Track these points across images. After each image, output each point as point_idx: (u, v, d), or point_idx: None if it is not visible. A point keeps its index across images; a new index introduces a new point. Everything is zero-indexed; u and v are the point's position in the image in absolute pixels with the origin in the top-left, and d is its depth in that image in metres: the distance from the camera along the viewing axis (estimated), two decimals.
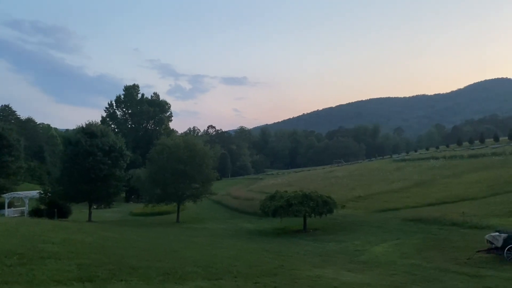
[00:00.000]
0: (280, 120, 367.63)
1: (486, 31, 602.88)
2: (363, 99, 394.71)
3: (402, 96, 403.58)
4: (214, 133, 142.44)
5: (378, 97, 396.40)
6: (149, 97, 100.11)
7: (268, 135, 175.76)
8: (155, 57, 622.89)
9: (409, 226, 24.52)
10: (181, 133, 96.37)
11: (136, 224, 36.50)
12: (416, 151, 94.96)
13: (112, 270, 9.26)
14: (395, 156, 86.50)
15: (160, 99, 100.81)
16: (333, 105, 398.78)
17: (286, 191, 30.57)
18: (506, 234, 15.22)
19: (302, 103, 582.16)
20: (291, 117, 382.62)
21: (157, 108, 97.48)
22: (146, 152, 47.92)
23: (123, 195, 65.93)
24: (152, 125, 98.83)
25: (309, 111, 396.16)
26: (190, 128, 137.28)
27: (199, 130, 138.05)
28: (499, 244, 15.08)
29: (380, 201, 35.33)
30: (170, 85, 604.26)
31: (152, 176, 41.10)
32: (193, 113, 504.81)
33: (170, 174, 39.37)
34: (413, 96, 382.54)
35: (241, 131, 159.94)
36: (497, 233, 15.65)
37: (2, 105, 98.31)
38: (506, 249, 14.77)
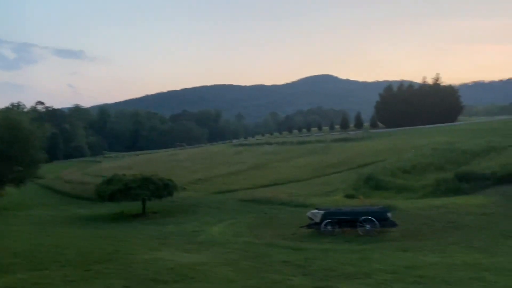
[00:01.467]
0: (121, 100, 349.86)
1: (316, 31, 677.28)
2: (208, 84, 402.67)
3: (243, 84, 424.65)
4: (43, 110, 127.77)
5: (221, 83, 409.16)
6: None
7: (108, 115, 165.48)
8: None
9: (244, 206, 26.13)
10: (2, 108, 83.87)
11: None
12: (253, 137, 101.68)
13: None
14: (234, 141, 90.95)
15: None
16: (178, 88, 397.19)
17: (125, 175, 29.44)
18: (324, 211, 17.44)
19: (146, 83, 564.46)
20: (134, 97, 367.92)
21: None
22: None
23: None
24: None
25: (152, 93, 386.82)
26: (13, 103, 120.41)
27: (24, 106, 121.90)
28: (318, 220, 17.19)
29: (219, 183, 36.83)
30: None
31: None
32: (17, 86, 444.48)
33: None
34: (252, 85, 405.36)
35: (77, 110, 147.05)
36: (316, 210, 17.82)
37: None
38: (323, 224, 16.93)
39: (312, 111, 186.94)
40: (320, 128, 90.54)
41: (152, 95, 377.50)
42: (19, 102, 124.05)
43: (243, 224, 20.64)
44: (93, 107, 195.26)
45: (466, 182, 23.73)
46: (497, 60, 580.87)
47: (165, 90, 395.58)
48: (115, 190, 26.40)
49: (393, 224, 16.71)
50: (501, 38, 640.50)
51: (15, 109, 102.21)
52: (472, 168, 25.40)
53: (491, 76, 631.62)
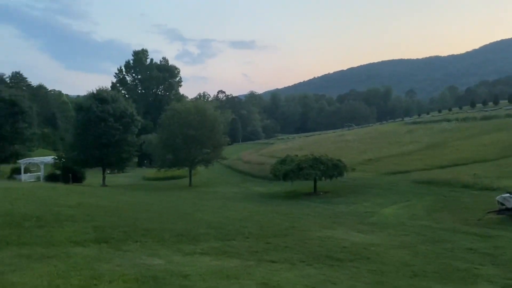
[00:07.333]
0: (290, 84, 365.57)
1: None
2: (375, 61, 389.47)
3: (414, 57, 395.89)
4: (224, 98, 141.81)
5: (390, 59, 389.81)
6: (158, 62, 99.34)
7: (279, 99, 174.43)
8: (162, 22, 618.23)
9: (420, 188, 24.58)
10: (191, 99, 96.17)
11: (149, 188, 37.15)
12: (428, 113, 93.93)
13: (126, 232, 9.48)
14: (406, 119, 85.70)
15: (169, 64, 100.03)
16: (344, 68, 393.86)
17: (296, 155, 30.70)
18: None
19: (313, 66, 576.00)
20: (302, 81, 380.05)
21: (167, 74, 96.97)
22: (157, 117, 48.15)
23: (136, 160, 66.66)
24: (162, 90, 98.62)
25: (319, 75, 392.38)
26: (200, 93, 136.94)
27: (209, 95, 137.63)
28: (510, 205, 15.08)
29: (391, 163, 35.31)
30: (178, 50, 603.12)
31: (164, 142, 41.47)
32: (202, 78, 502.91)
33: (181, 139, 39.63)
34: (426, 58, 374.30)
35: (251, 96, 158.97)
36: (508, 195, 15.63)
37: (13, 72, 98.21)
38: None
39: (500, 82, 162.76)
40: (511, 101, 78.19)
41: (319, 77, 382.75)
42: (204, 92, 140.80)
43: (419, 207, 19.49)
44: (265, 93, 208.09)
45: None
46: None
47: (331, 71, 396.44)
48: (288, 170, 27.77)
49: None
50: None
51: (201, 99, 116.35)
52: None
53: None
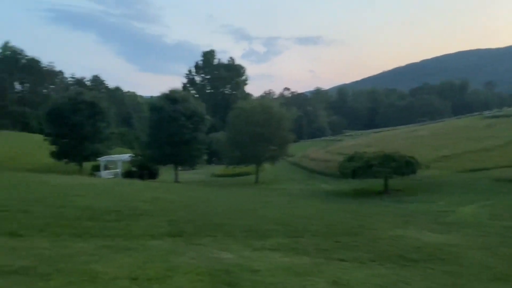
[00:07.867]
0: (358, 79, 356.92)
1: None
2: (450, 52, 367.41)
3: (494, 47, 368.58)
4: (289, 95, 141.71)
5: (466, 49, 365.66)
6: (225, 62, 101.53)
7: (346, 95, 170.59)
8: (229, 22, 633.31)
9: (501, 187, 22.92)
10: (257, 97, 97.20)
11: (218, 185, 38.15)
12: (510, 106, 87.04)
13: (198, 226, 9.86)
14: (485, 113, 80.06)
15: (236, 63, 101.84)
16: (417, 60, 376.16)
17: (365, 152, 29.90)
18: None
19: (382, 59, 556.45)
20: (370, 75, 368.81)
21: (233, 73, 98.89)
22: (225, 116, 49.24)
23: (205, 157, 68.65)
24: (229, 89, 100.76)
25: (389, 68, 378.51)
26: (265, 91, 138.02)
27: (274, 92, 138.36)
28: None
29: (468, 160, 33.27)
30: (244, 49, 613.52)
31: (231, 139, 42.39)
32: (268, 77, 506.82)
33: (248, 137, 40.26)
34: (507, 47, 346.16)
35: (317, 92, 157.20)
36: None
37: (92, 76, 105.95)
38: None
39: None
40: None
41: (389, 71, 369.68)
42: (270, 89, 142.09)
43: (500, 207, 18.16)
44: (332, 89, 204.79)
45: None
46: None
47: (403, 64, 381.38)
48: (356, 167, 27.15)
49: None
50: None
51: (267, 96, 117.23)
52: None
53: None
